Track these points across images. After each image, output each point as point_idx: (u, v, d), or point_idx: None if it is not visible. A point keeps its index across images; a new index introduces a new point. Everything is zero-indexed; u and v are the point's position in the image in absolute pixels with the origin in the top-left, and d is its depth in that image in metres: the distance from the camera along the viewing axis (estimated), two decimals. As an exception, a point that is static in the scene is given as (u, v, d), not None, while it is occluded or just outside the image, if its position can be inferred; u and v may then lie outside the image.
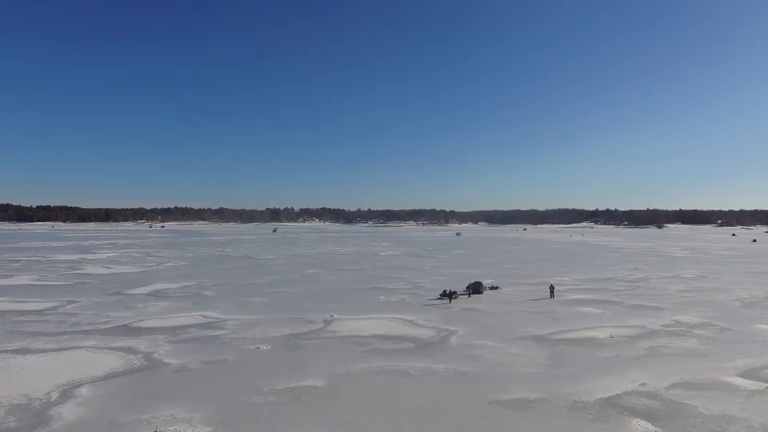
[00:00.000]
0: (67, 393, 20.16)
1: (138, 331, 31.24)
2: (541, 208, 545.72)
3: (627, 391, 20.66)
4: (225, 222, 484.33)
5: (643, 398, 19.84)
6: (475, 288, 47.96)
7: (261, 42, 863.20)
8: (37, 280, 56.80)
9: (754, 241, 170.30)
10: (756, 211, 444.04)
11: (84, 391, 20.43)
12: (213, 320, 34.80)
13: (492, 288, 50.46)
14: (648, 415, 18.08)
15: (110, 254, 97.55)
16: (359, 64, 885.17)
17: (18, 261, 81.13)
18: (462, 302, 42.84)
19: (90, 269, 69.18)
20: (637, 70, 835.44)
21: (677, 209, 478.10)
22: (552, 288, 46.20)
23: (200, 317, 35.87)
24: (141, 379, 22.11)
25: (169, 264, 78.00)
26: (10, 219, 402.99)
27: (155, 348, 27.16)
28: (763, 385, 21.46)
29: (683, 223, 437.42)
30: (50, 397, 19.67)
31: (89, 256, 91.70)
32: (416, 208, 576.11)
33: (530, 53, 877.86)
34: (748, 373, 23.09)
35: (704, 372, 23.22)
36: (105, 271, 67.05)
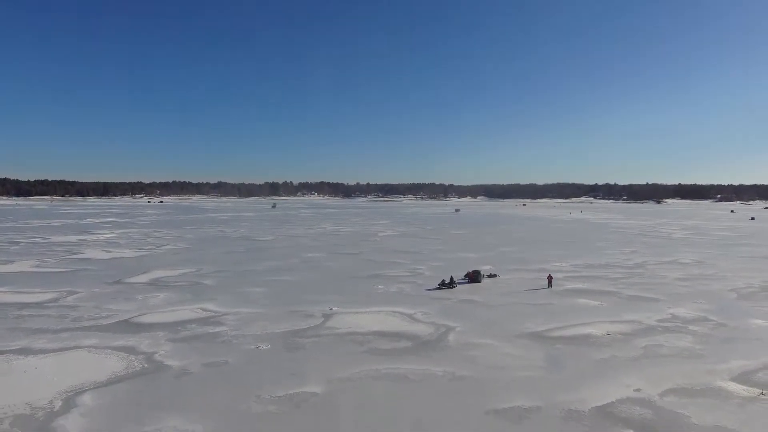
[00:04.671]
0: (70, 401, 20.41)
1: (139, 328, 31.48)
2: (540, 182, 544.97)
3: (622, 398, 20.96)
4: (224, 196, 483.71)
5: (637, 407, 20.15)
6: (473, 277, 48.26)
7: (261, 14, 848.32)
8: (37, 266, 57.00)
9: (752, 219, 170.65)
10: (755, 185, 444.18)
11: (87, 398, 20.69)
12: (213, 314, 35.05)
13: (490, 276, 50.71)
14: (642, 427, 18.39)
15: (109, 235, 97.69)
16: (359, 37, 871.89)
17: (17, 243, 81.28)
18: (461, 292, 43.12)
19: (89, 253, 69.38)
20: (636, 46, 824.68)
21: (677, 183, 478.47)
22: (550, 278, 46.46)
23: (200, 310, 36.13)
24: (143, 384, 22.37)
25: (168, 247, 78.20)
26: (8, 193, 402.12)
27: (156, 348, 27.42)
28: (756, 391, 21.78)
29: (682, 198, 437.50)
30: (53, 406, 19.94)
31: (88, 237, 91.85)
32: (415, 182, 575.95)
33: (531, 28, 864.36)
34: (742, 377, 23.41)
35: (698, 376, 23.53)
36: (104, 255, 67.24)
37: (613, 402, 20.58)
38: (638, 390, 21.82)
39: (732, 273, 54.05)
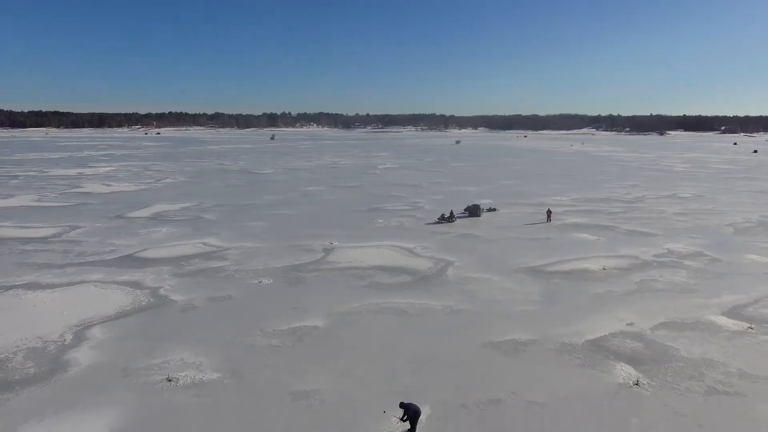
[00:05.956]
0: (80, 335, 21.08)
1: (143, 263, 31.99)
2: (542, 113, 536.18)
3: (614, 332, 21.64)
4: (221, 127, 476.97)
5: (629, 340, 20.84)
6: (473, 211, 48.52)
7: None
8: (38, 200, 57.14)
9: (755, 152, 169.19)
10: (760, 117, 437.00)
11: (96, 332, 21.35)
12: (215, 249, 35.50)
13: (490, 210, 50.93)
14: (632, 359, 19.10)
15: (108, 168, 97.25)
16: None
17: (16, 177, 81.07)
18: (460, 226, 43.49)
19: (89, 186, 69.35)
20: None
21: (681, 115, 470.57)
22: (549, 212, 46.67)
23: (202, 245, 36.55)
24: (149, 318, 23.02)
25: (167, 180, 78.06)
26: (2, 125, 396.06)
27: (161, 282, 27.98)
28: (745, 325, 22.44)
29: (686, 129, 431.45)
30: (64, 340, 20.61)
31: (87, 171, 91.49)
32: (415, 113, 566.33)
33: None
34: (732, 312, 24.05)
35: (690, 310, 24.16)
36: (104, 189, 67.24)
37: (606, 335, 21.26)
38: (631, 324, 22.47)
39: (730, 207, 54.28)
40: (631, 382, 17.37)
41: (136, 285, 27.52)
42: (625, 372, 18.15)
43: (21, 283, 27.85)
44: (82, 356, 19.17)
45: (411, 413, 14.44)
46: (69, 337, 20.84)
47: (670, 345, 20.37)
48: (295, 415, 15.42)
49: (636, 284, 28.04)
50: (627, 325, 22.38)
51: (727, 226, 44.48)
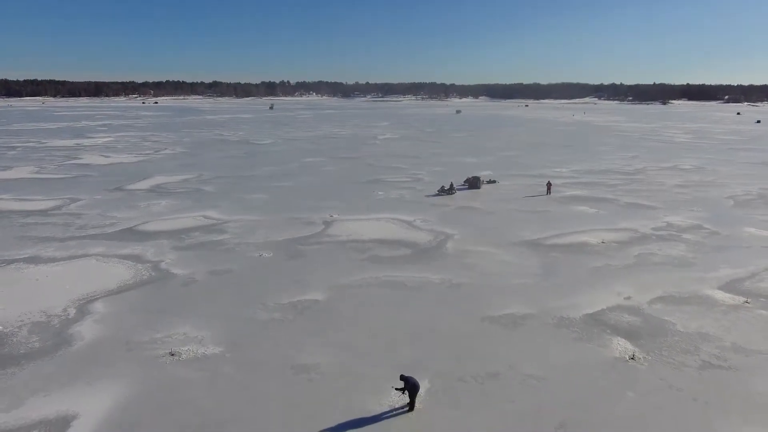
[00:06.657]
0: (83, 309, 21.30)
1: (143, 236, 32.07)
2: (544, 81, 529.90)
3: (612, 305, 21.86)
4: (219, 97, 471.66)
5: (626, 314, 21.07)
6: (472, 183, 48.42)
7: None
8: (37, 172, 56.94)
9: (758, 122, 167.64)
10: (764, 86, 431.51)
11: (99, 306, 21.56)
12: (215, 222, 35.55)
13: (489, 182, 50.82)
14: (629, 333, 19.35)
15: (106, 139, 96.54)
16: None
17: (14, 148, 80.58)
18: (460, 199, 43.47)
19: (88, 158, 68.99)
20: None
21: (684, 84, 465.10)
22: (549, 184, 46.56)
23: (202, 218, 36.60)
24: (151, 292, 23.21)
25: (166, 151, 77.61)
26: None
27: (162, 256, 28.10)
28: (741, 299, 22.64)
29: (689, 99, 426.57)
30: (68, 314, 20.83)
31: (85, 142, 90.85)
32: (415, 82, 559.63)
33: None
34: (729, 286, 24.24)
35: (687, 284, 24.34)
36: (103, 160, 66.89)
37: (603, 309, 21.47)
38: (628, 298, 22.69)
39: (731, 179, 54.15)
40: (627, 356, 17.64)
41: (137, 258, 27.67)
42: (621, 346, 18.40)
43: (23, 257, 27.99)
44: (86, 330, 19.41)
45: (410, 387, 14.69)
46: (72, 311, 21.06)
47: (666, 319, 20.61)
48: (296, 389, 15.70)
49: (634, 258, 28.19)
50: (624, 299, 22.59)
51: (727, 198, 44.45)
